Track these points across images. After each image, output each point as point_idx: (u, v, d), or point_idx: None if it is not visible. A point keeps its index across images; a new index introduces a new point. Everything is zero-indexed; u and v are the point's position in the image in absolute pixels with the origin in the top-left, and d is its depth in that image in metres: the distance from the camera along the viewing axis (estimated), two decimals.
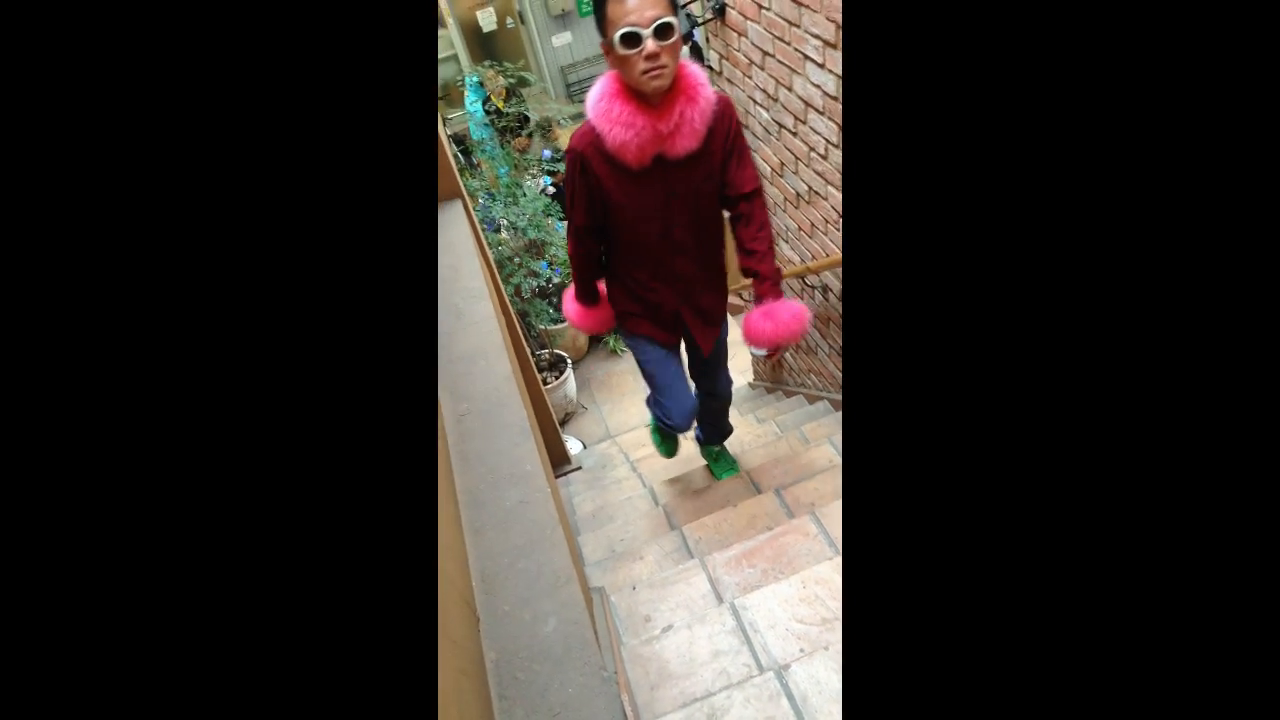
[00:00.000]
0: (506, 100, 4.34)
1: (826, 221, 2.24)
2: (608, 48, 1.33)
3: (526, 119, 4.40)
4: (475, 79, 4.70)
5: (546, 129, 4.89)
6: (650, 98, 1.35)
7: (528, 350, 2.56)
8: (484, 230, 2.84)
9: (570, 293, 1.81)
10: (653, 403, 1.89)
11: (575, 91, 6.73)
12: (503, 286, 2.52)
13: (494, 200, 3.31)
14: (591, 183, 1.47)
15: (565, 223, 1.69)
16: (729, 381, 1.96)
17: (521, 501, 1.25)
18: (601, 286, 1.78)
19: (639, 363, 1.81)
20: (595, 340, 4.08)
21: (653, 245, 1.56)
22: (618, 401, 3.62)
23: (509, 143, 4.07)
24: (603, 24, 1.32)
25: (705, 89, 1.39)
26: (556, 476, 2.65)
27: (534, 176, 3.75)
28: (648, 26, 1.27)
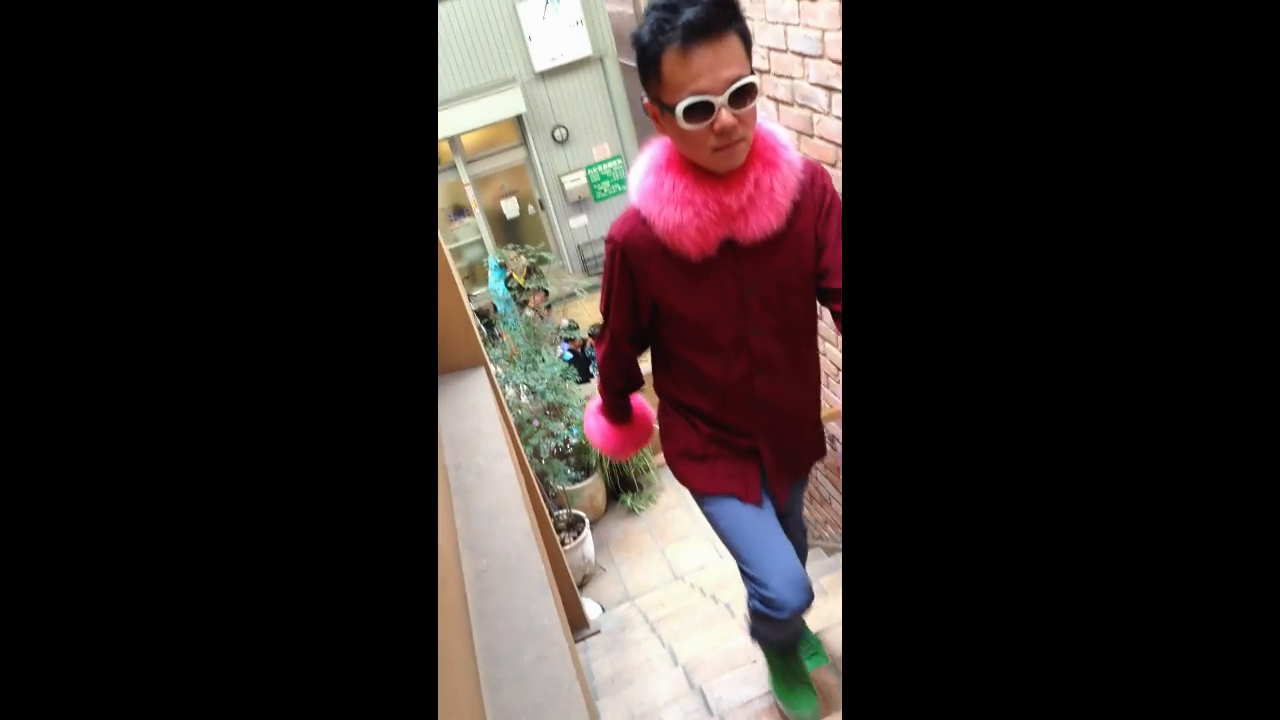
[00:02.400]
0: (527, 278, 4.70)
1: (827, 375, 2.36)
2: (658, 112, 0.98)
3: (545, 293, 4.74)
4: (496, 260, 5.12)
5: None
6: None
7: (546, 510, 2.61)
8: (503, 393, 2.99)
9: (594, 406, 1.43)
10: (746, 581, 1.29)
11: (592, 266, 7.24)
12: (522, 448, 2.62)
13: (514, 366, 3.51)
14: (637, 282, 1.11)
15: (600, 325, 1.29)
16: (803, 531, 1.54)
17: (539, 657, 1.26)
18: (637, 400, 1.42)
19: (715, 529, 1.30)
20: (613, 499, 4.10)
21: (723, 361, 1.15)
22: (636, 560, 3.58)
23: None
24: (654, 83, 0.95)
25: (787, 152, 1.04)
26: (576, 641, 2.59)
27: (552, 345, 3.98)
28: (722, 92, 0.91)
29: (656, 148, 1.06)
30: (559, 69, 6.77)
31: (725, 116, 0.92)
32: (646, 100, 0.99)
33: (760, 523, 1.24)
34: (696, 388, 1.20)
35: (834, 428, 2.45)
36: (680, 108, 0.92)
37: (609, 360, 1.28)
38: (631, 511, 4.00)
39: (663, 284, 1.09)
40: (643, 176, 1.05)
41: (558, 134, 7.04)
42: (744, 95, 0.92)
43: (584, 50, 6.70)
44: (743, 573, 1.29)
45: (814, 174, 1.09)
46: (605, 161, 7.28)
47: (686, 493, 1.85)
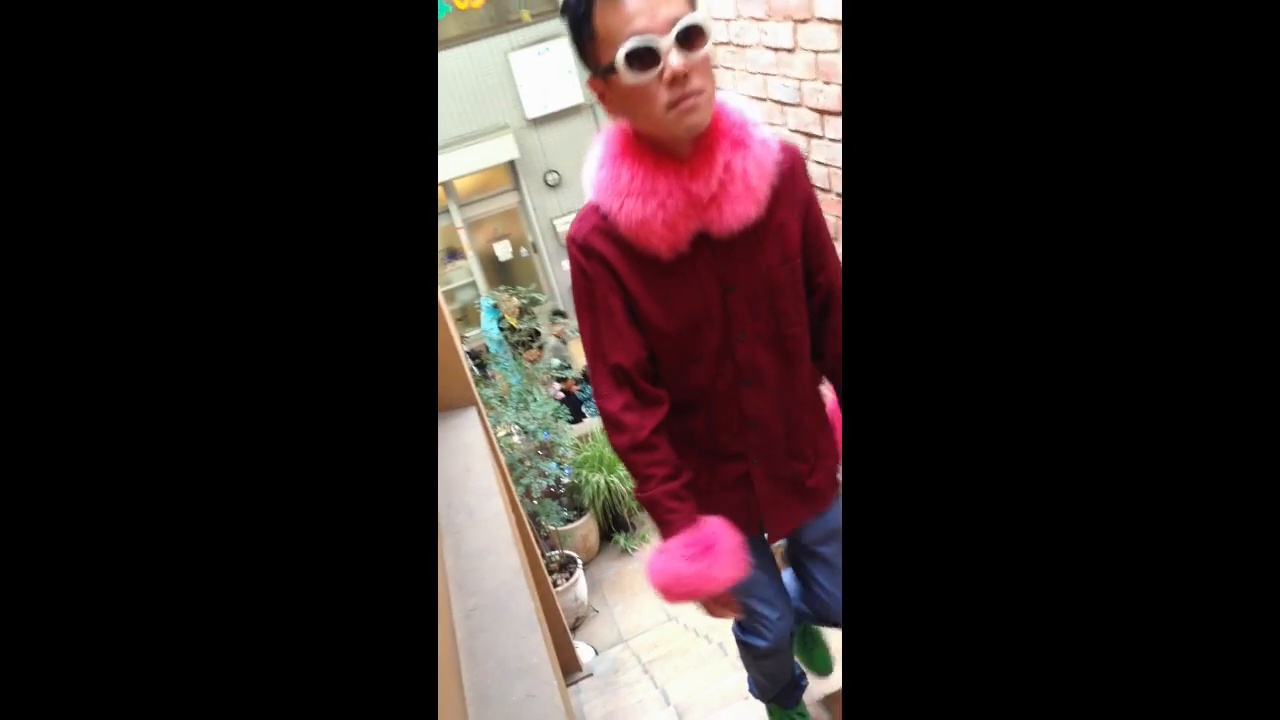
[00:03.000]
0: (520, 318, 4.75)
1: None
2: (602, 85, 0.88)
3: (537, 333, 4.79)
4: (490, 302, 5.18)
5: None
6: (676, 146, 0.89)
7: (538, 552, 2.60)
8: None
9: (661, 549, 1.01)
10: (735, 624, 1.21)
11: (559, 309, 7.31)
12: (513, 487, 2.63)
13: (506, 406, 3.53)
14: (614, 285, 0.96)
15: (591, 393, 1.03)
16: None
17: (528, 696, 1.26)
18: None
19: None
20: (606, 539, 4.08)
21: (706, 373, 1.01)
22: (629, 602, 3.55)
23: (520, 355, 4.40)
24: (590, 46, 0.85)
25: (758, 129, 0.92)
26: (568, 684, 2.56)
27: (544, 383, 4.01)
28: (666, 32, 0.80)
29: (608, 136, 0.95)
30: (551, 116, 6.92)
31: (674, 61, 0.81)
32: (590, 77, 0.89)
33: (751, 555, 1.09)
34: (681, 406, 1.02)
35: None
36: (621, 55, 0.81)
37: (627, 416, 0.97)
38: (625, 552, 3.97)
39: (634, 289, 0.95)
40: (596, 169, 0.94)
41: (550, 179, 7.16)
42: (694, 37, 0.82)
43: (575, 98, 6.86)
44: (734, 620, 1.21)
45: (793, 158, 0.96)
46: None
47: None
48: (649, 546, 3.89)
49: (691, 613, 3.20)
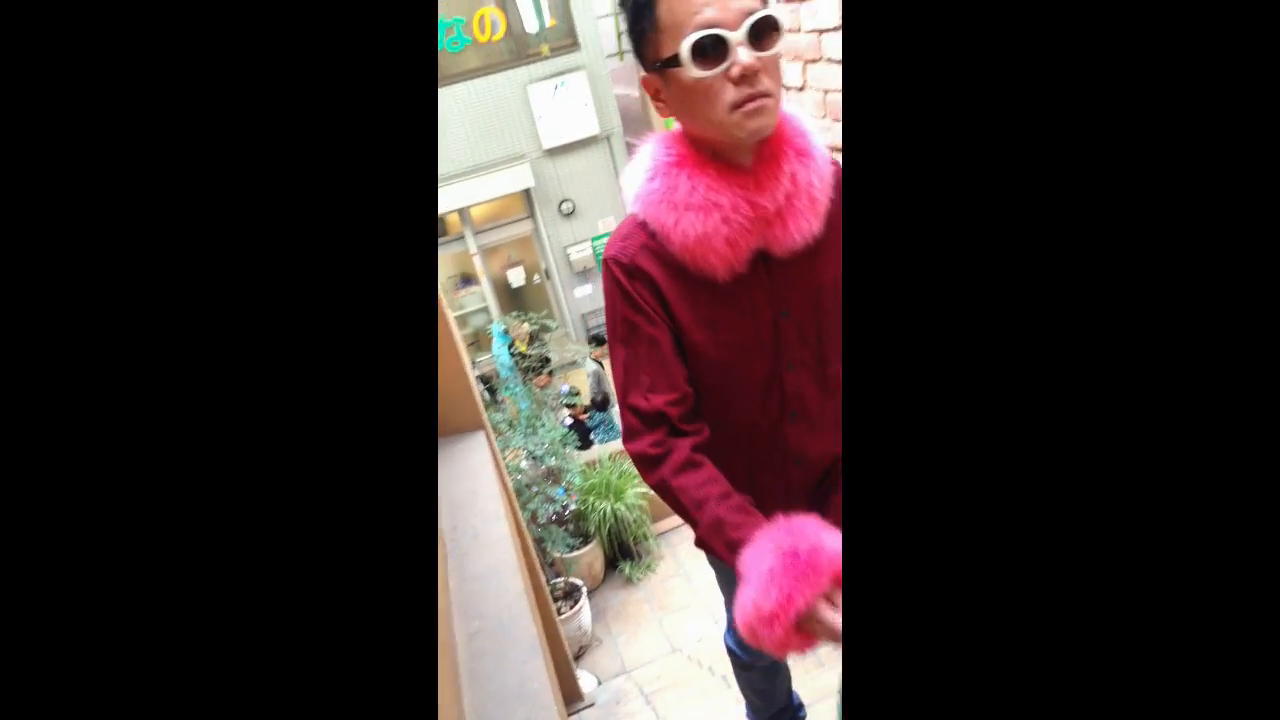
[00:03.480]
0: (530, 344, 4.79)
1: None
2: (659, 82, 0.82)
3: (548, 359, 4.83)
4: (501, 327, 5.23)
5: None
6: (737, 154, 0.83)
7: (542, 578, 2.60)
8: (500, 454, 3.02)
9: (749, 603, 0.74)
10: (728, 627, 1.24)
11: (595, 334, 7.36)
12: (520, 513, 2.64)
13: (514, 430, 3.55)
14: (661, 312, 0.87)
15: (622, 435, 0.91)
16: None
17: None
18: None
19: (719, 581, 1.15)
20: (611, 567, 4.06)
21: (751, 406, 0.94)
22: (634, 632, 3.52)
23: (530, 381, 4.43)
24: (651, 37, 0.79)
25: (816, 138, 0.87)
26: (570, 714, 2.54)
27: (553, 409, 4.03)
28: (737, 26, 0.75)
29: (657, 144, 0.86)
30: (567, 146, 7.05)
31: (744, 56, 0.75)
32: (643, 75, 0.83)
33: None
34: (714, 447, 0.89)
35: None
36: (686, 47, 0.75)
37: (662, 447, 0.85)
38: (629, 581, 3.94)
39: (681, 316, 0.86)
40: (645, 180, 0.85)
41: (564, 207, 7.27)
42: (766, 32, 0.76)
43: (591, 129, 7.00)
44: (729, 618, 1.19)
45: (839, 171, 0.89)
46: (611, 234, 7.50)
47: (685, 563, 1.64)
48: (654, 576, 3.87)
49: (695, 644, 3.17)
